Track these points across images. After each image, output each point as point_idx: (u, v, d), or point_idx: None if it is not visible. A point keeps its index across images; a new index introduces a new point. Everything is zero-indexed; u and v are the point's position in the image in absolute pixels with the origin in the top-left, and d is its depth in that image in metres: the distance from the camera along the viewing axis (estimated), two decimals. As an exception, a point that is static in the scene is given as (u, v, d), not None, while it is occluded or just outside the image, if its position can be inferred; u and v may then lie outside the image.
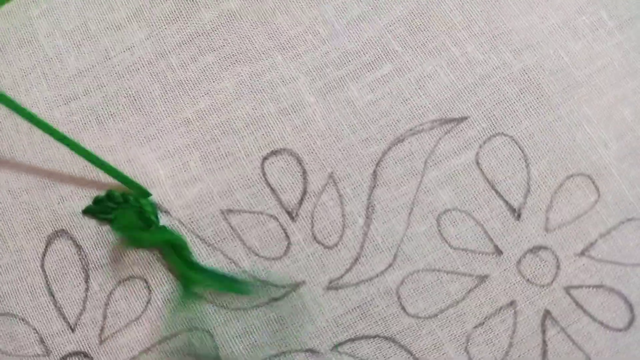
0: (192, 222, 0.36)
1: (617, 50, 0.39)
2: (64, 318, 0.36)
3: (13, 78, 0.39)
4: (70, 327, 0.36)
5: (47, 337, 0.36)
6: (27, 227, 0.37)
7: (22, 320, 0.36)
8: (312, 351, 0.35)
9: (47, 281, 0.36)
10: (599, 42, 0.39)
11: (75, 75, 0.39)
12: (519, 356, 0.35)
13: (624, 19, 0.39)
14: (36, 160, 0.38)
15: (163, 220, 0.36)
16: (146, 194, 0.36)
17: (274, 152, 0.37)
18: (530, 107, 0.38)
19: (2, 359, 0.36)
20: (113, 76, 0.39)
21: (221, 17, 0.39)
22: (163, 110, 0.38)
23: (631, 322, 0.36)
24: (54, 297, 0.36)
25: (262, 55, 0.38)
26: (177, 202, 0.37)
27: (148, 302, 0.36)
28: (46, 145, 0.38)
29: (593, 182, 0.37)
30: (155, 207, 0.36)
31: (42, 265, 0.37)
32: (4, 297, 0.36)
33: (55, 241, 0.37)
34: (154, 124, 0.38)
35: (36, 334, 0.36)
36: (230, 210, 0.36)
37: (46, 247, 0.37)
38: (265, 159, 0.37)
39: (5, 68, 0.39)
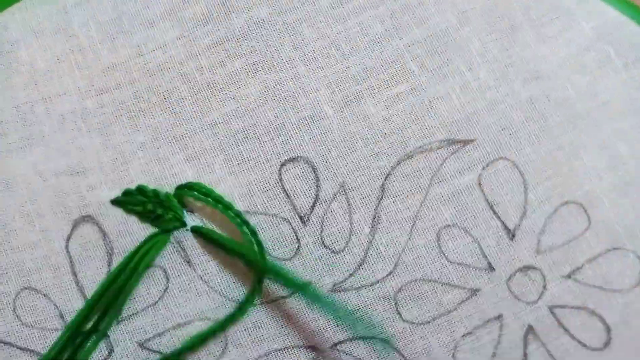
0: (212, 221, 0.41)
1: (621, 87, 0.43)
2: (85, 297, 0.40)
3: (47, 64, 0.43)
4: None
5: (67, 313, 0.40)
6: (54, 209, 0.41)
7: (44, 295, 0.40)
8: (313, 348, 0.40)
9: (71, 262, 0.41)
10: (605, 78, 0.43)
11: (108, 68, 0.43)
12: (501, 366, 0.40)
13: (630, 59, 0.43)
14: (68, 147, 0.42)
15: (187, 219, 0.41)
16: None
17: (292, 159, 0.42)
18: (534, 135, 0.42)
19: (23, 331, 0.40)
20: (144, 73, 0.43)
21: (250, 24, 0.43)
22: (191, 111, 0.42)
23: (607, 343, 0.40)
24: (76, 276, 0.41)
25: (286, 64, 0.43)
26: (201, 202, 0.41)
27: (165, 290, 0.40)
28: (77, 133, 0.42)
29: (585, 211, 0.42)
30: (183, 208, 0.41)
31: (67, 247, 0.41)
32: (28, 272, 0.41)
33: (81, 225, 0.41)
34: (182, 124, 0.42)
35: (57, 309, 0.40)
36: (247, 212, 0.41)
37: (72, 230, 0.41)
38: (282, 165, 0.41)
39: (40, 53, 0.43)
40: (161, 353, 0.40)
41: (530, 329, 0.40)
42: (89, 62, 0.43)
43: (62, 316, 0.40)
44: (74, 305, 0.40)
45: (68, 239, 0.41)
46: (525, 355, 0.40)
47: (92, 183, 0.41)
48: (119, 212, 0.41)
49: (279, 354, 0.40)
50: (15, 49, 0.43)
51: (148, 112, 0.42)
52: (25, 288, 0.41)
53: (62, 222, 0.41)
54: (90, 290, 0.40)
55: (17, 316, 0.40)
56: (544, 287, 0.41)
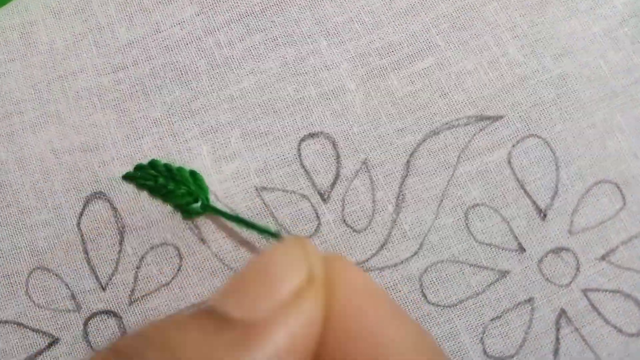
0: (227, 196, 0.40)
1: (656, 63, 0.42)
2: (96, 277, 0.40)
3: (65, 43, 0.43)
4: (102, 286, 0.40)
5: (78, 293, 0.40)
6: (67, 186, 0.41)
7: (56, 275, 0.40)
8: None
9: (82, 240, 0.40)
10: (639, 54, 0.42)
11: (125, 45, 0.43)
12: (531, 351, 0.39)
13: (666, 34, 0.42)
14: (81, 123, 0.42)
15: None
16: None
17: (311, 135, 0.41)
18: (566, 112, 0.41)
19: (35, 312, 0.40)
20: (162, 49, 0.42)
21: (271, -1, 0.43)
22: (208, 86, 0.42)
23: (645, 328, 0.39)
24: (88, 255, 0.40)
25: (307, 39, 0.42)
26: (216, 177, 0.40)
27: (179, 269, 0.40)
28: (91, 110, 0.42)
29: (620, 190, 0.40)
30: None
31: (79, 224, 0.40)
32: (40, 252, 0.40)
33: (93, 202, 0.41)
34: (198, 98, 0.42)
35: (68, 290, 0.40)
36: (264, 188, 0.40)
37: (84, 207, 0.41)
38: (302, 140, 0.41)
39: (59, 33, 0.43)
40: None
41: (562, 313, 0.39)
42: (106, 40, 0.43)
43: (73, 297, 0.40)
44: (85, 285, 0.40)
45: (80, 216, 0.41)
46: (557, 339, 0.39)
47: (104, 159, 0.41)
48: (130, 188, 0.41)
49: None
50: (35, 29, 0.44)
51: (164, 88, 0.42)
52: (38, 268, 0.40)
53: (74, 199, 0.41)
54: (102, 269, 0.40)
55: (29, 297, 0.40)
56: (577, 269, 0.40)
